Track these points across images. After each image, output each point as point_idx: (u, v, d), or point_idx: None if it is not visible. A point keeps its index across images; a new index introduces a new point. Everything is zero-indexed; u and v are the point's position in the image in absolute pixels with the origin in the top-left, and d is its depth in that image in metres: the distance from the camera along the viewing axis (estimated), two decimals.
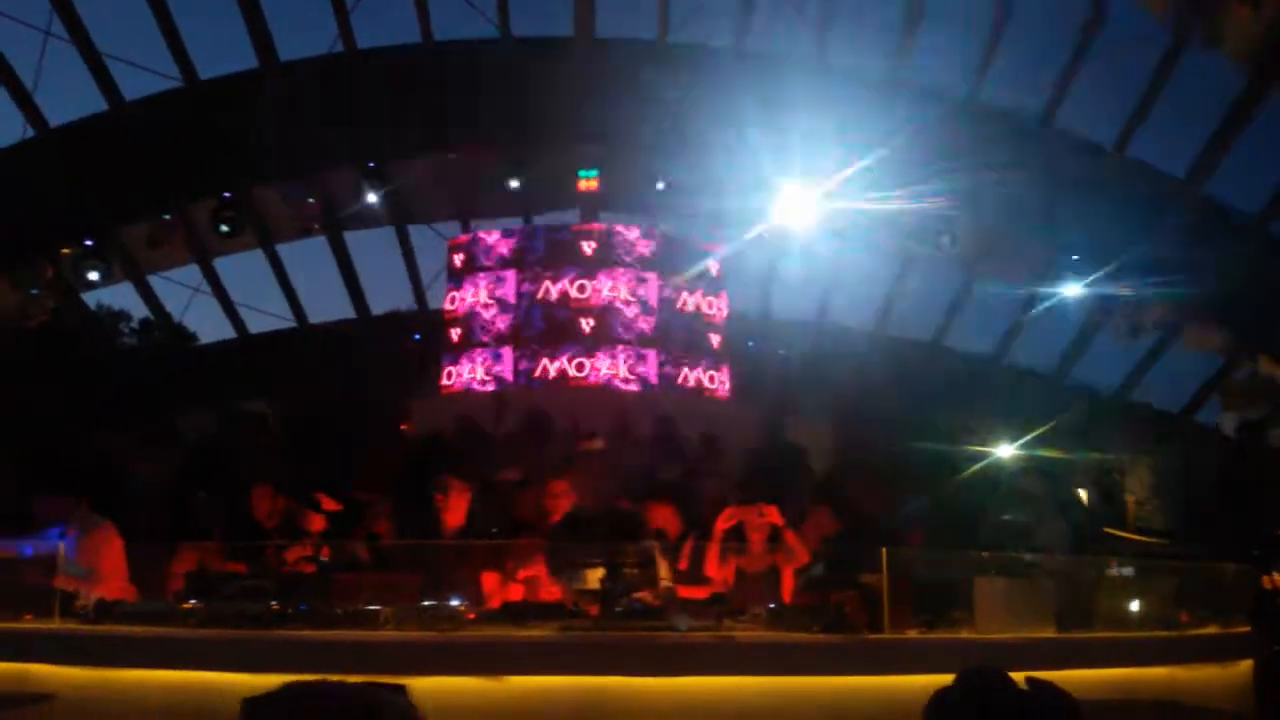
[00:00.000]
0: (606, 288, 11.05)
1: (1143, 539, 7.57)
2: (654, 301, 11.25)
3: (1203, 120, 12.84)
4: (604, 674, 5.05)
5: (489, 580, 5.82)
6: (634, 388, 10.95)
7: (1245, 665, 6.31)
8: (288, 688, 2.49)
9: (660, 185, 12.98)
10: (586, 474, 7.11)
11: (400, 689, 2.55)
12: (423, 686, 5.13)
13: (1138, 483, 7.89)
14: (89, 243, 12.90)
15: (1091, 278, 13.05)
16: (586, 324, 10.96)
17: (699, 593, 5.96)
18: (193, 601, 5.24)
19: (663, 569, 6.06)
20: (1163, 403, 15.28)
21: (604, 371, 10.88)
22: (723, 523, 6.40)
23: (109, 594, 5.68)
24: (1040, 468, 8.13)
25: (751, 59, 13.13)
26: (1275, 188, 13.01)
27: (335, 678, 2.54)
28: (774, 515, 6.26)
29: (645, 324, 11.20)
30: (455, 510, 6.25)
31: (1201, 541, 7.37)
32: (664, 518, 6.58)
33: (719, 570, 6.26)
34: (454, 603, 5.41)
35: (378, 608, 5.20)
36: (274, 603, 5.15)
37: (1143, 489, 7.83)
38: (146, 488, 8.29)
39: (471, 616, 5.31)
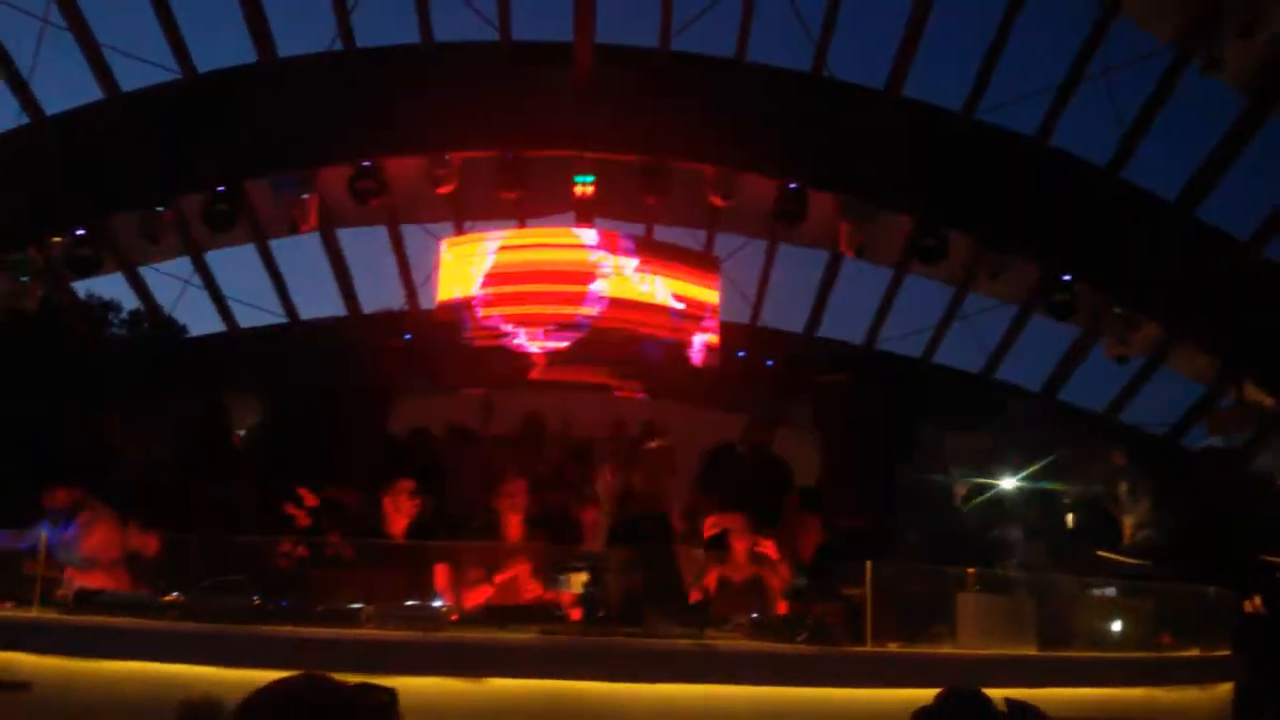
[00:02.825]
0: None
1: (1129, 561, 7.58)
2: None
3: (1197, 144, 12.93)
4: (584, 679, 5.05)
5: (441, 574, 5.79)
6: None
7: (1225, 688, 6.33)
8: (288, 682, 2.46)
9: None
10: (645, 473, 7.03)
11: (391, 691, 2.55)
12: (402, 686, 5.11)
13: (1137, 504, 7.87)
14: (81, 232, 12.84)
15: None
16: None
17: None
18: (174, 594, 5.22)
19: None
20: (1151, 426, 15.36)
21: None
22: (706, 531, 6.40)
23: (106, 585, 5.66)
24: (1027, 487, 8.15)
25: (749, 70, 13.17)
26: (1267, 214, 13.07)
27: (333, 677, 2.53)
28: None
29: None
30: (399, 516, 6.21)
31: (1185, 564, 7.39)
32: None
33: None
34: (436, 604, 5.40)
35: (359, 605, 5.19)
36: (255, 597, 5.13)
37: (1141, 511, 7.82)
38: (139, 473, 8.26)
39: (455, 618, 5.30)
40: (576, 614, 5.41)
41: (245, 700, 2.39)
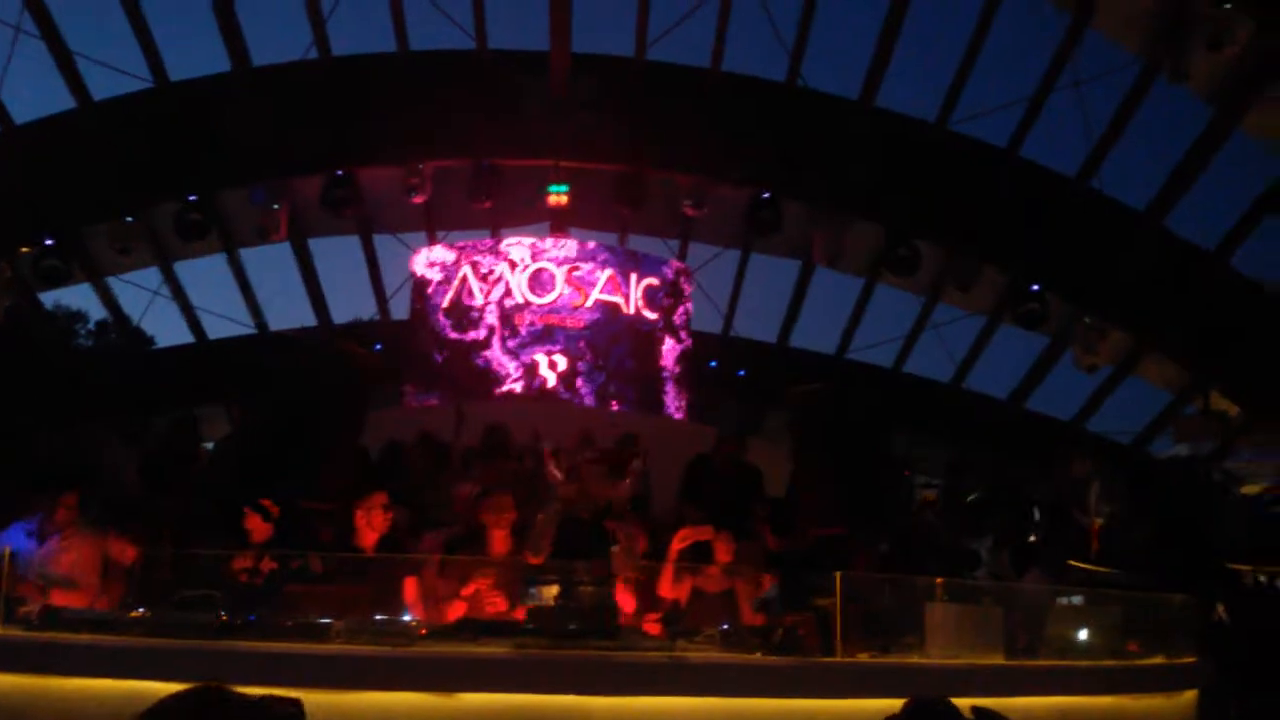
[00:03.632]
0: None
1: (1098, 569, 7.65)
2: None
3: (1166, 155, 13.08)
4: (556, 692, 5.04)
5: (410, 587, 5.79)
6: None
7: (1189, 696, 6.40)
8: (184, 695, 2.45)
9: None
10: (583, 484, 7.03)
11: (296, 703, 2.53)
12: (374, 702, 5.10)
13: (1104, 512, 7.93)
14: (49, 242, 12.74)
15: None
16: None
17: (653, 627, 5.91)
18: (140, 610, 5.17)
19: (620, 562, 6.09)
20: (1117, 434, 15.52)
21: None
22: (678, 543, 6.41)
23: (83, 603, 5.60)
24: (993, 495, 8.21)
25: (724, 80, 13.23)
26: (1233, 224, 13.24)
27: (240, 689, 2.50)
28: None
29: None
30: (370, 529, 6.19)
31: (1152, 572, 7.46)
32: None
33: (673, 590, 6.27)
34: (405, 618, 5.37)
35: (329, 621, 5.15)
36: (222, 613, 5.08)
37: (1107, 519, 7.89)
38: (107, 486, 8.20)
39: (424, 632, 5.28)
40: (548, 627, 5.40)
41: (142, 714, 2.36)
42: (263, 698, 2.45)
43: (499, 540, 6.24)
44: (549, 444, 7.33)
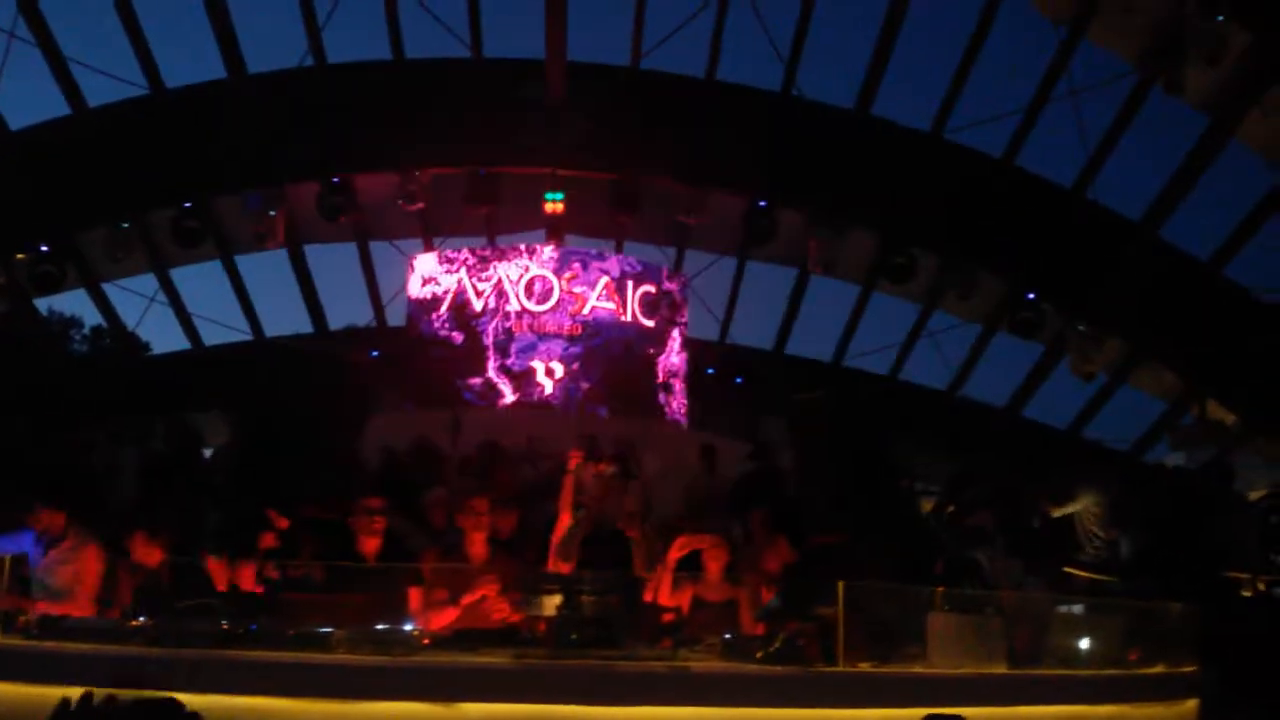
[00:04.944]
0: None
1: (1096, 576, 7.66)
2: None
3: (1161, 166, 13.13)
4: (557, 702, 5.02)
5: (415, 596, 5.77)
6: None
7: (1190, 704, 6.39)
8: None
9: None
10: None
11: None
12: (376, 711, 5.07)
13: (1094, 519, 7.95)
14: (45, 248, 12.70)
15: None
16: None
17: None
18: (141, 619, 5.14)
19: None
20: (1113, 442, 15.54)
21: None
22: (675, 552, 6.39)
23: (78, 613, 5.56)
24: (992, 504, 8.20)
25: (720, 89, 13.26)
26: (1228, 234, 13.28)
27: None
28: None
29: None
30: (369, 536, 6.15)
31: (1151, 580, 7.46)
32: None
33: (673, 599, 6.26)
34: (407, 627, 5.35)
35: (329, 629, 5.13)
36: (224, 622, 5.06)
37: (1098, 525, 7.91)
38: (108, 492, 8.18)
39: (426, 641, 5.25)
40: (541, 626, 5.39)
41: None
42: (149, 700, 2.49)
43: (478, 545, 6.20)
44: (574, 454, 7.27)
